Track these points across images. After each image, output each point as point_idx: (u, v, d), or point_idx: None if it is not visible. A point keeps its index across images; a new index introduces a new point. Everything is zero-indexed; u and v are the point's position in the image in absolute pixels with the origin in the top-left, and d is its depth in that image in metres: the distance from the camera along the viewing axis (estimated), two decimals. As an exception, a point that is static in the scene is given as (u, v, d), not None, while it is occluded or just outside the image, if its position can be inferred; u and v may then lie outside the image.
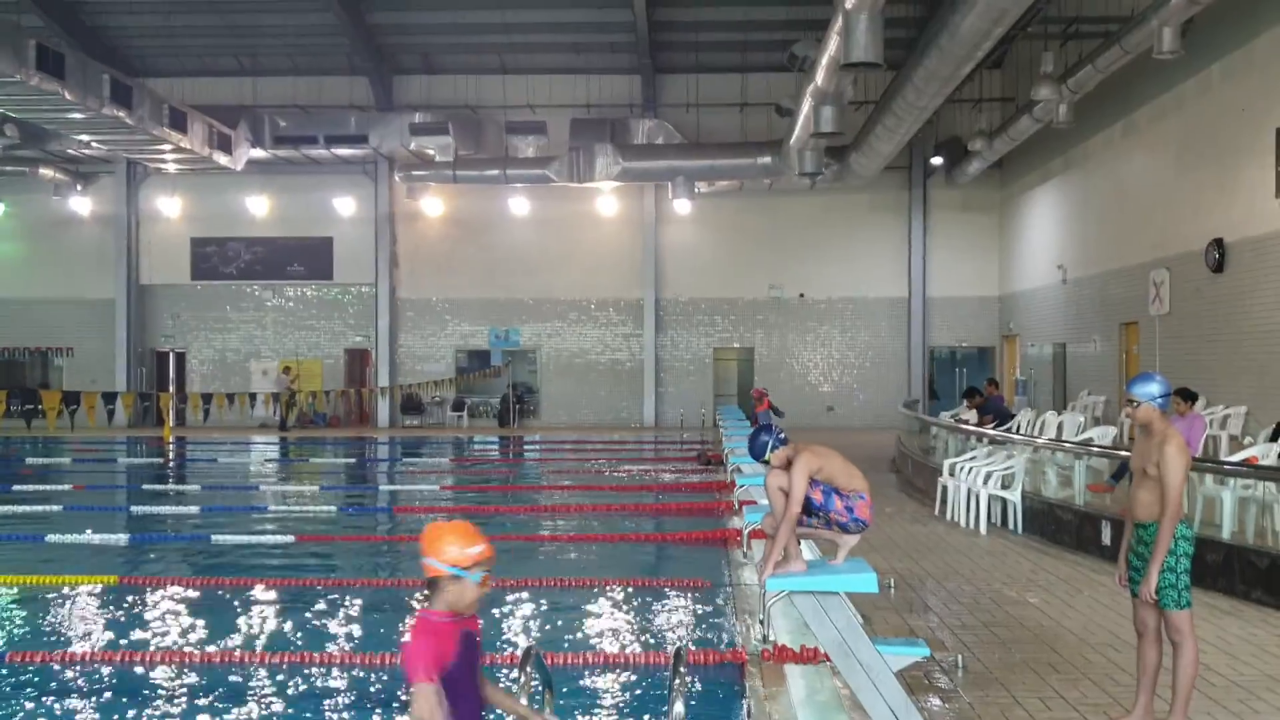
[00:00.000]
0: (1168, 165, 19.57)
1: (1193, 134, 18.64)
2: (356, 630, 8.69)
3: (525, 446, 26.58)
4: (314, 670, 7.34)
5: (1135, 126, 21.00)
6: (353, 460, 24.39)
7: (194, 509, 15.66)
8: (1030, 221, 28.10)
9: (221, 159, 26.80)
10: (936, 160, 29.37)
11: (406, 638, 3.56)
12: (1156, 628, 5.69)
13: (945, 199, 30.68)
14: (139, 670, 7.36)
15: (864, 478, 6.15)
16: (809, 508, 5.95)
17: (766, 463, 6.18)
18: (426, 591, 3.54)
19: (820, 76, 17.73)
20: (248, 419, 30.56)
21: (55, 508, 15.25)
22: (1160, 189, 19.86)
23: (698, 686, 6.67)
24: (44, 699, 6.80)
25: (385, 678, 7.15)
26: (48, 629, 8.81)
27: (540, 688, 4.25)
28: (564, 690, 6.55)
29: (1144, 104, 20.38)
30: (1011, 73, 27.35)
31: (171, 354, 32.43)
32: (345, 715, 6.57)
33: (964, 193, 30.27)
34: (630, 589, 9.81)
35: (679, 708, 3.88)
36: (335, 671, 7.32)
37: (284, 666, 7.41)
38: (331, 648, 7.97)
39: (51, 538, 12.67)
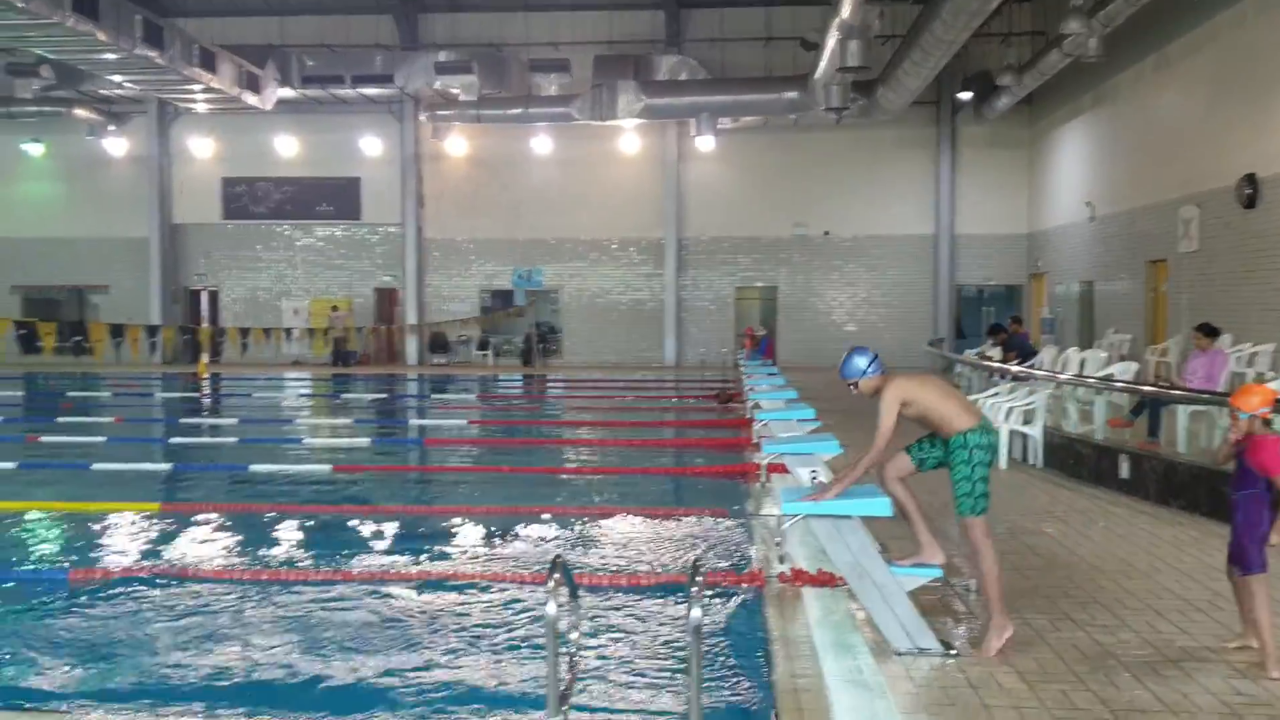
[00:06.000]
0: (1200, 100, 19.39)
1: (1227, 68, 18.44)
2: (388, 551, 8.99)
3: (549, 385, 26.90)
4: (345, 586, 7.66)
5: (1167, 60, 20.77)
6: (386, 395, 24.81)
7: (232, 440, 16.05)
8: (1059, 158, 27.90)
9: (250, 99, 26.95)
10: (965, 95, 29.09)
11: (1258, 446, 5.57)
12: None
13: (974, 135, 30.46)
14: (190, 587, 7.70)
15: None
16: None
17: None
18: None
19: (846, 9, 17.67)
20: (280, 355, 31.00)
21: (98, 439, 15.66)
22: (1191, 124, 19.69)
23: (718, 606, 6.94)
24: (104, 614, 7.15)
25: (418, 593, 7.47)
26: (102, 551, 9.18)
27: (567, 596, 4.50)
28: (590, 607, 6.85)
29: (1177, 37, 20.14)
30: (1041, 6, 26.99)
31: (205, 292, 32.84)
32: (377, 626, 6.87)
33: (993, 129, 30.03)
34: (651, 518, 10.07)
35: (696, 612, 4.10)
36: (366, 587, 7.63)
37: (320, 583, 7.74)
38: (363, 566, 8.29)
39: (97, 466, 13.09)
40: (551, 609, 4.24)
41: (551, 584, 4.28)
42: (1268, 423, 5.75)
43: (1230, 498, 5.71)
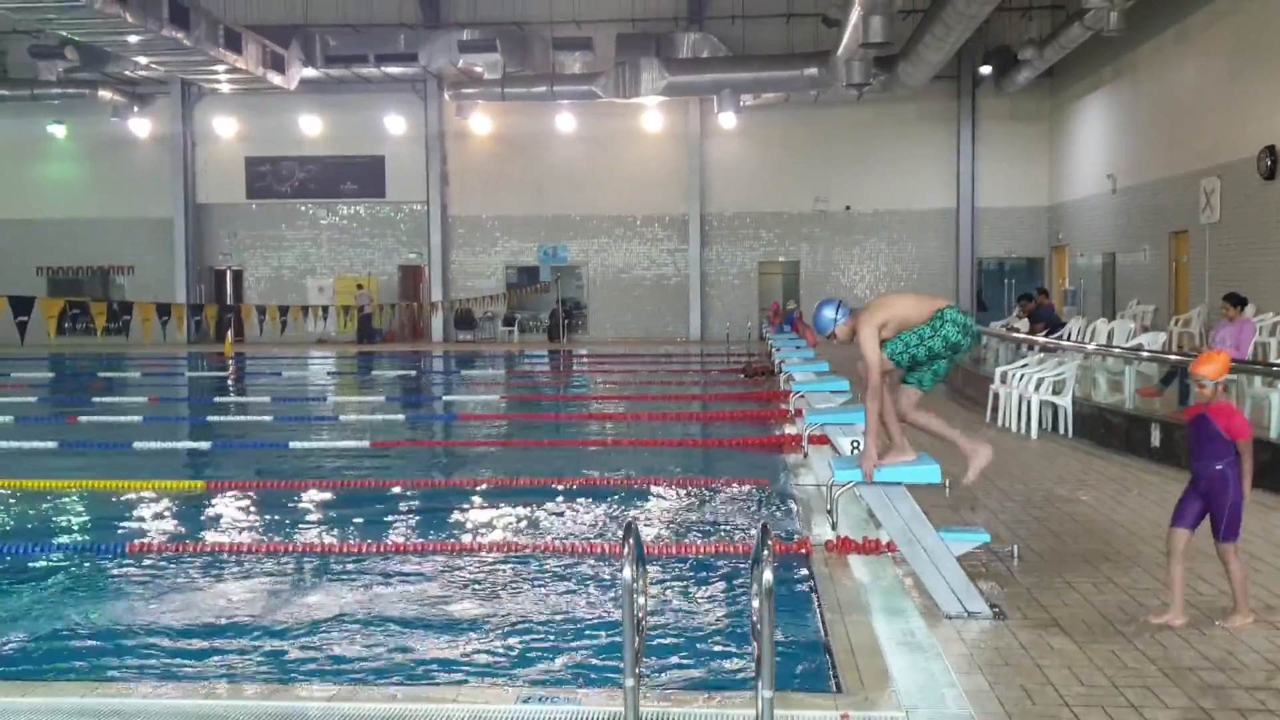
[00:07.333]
0: (1220, 72, 19.41)
1: (1247, 40, 18.46)
2: (434, 524, 9.21)
3: (577, 360, 27.11)
4: (399, 559, 7.90)
5: (1187, 33, 20.77)
6: (414, 372, 25.10)
7: (267, 418, 16.30)
8: (1080, 130, 27.90)
9: (275, 78, 27.13)
10: (985, 69, 29.09)
11: (1231, 413, 5.73)
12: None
13: (994, 109, 30.47)
14: (243, 560, 7.95)
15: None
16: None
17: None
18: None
19: (871, -14, 17.69)
20: (304, 334, 31.27)
21: (135, 418, 15.93)
22: (1212, 96, 19.71)
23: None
24: (163, 582, 7.41)
25: (472, 564, 7.70)
26: (151, 527, 9.43)
27: (637, 562, 4.68)
28: (650, 573, 7.04)
29: (1197, 9, 20.14)
30: (1063, -21, 26.95)
31: (229, 272, 33.13)
32: (421, 592, 7.10)
33: (1013, 102, 30.03)
34: (694, 489, 10.29)
35: (768, 575, 4.21)
36: (419, 559, 7.87)
37: (374, 556, 7.97)
38: (412, 539, 8.52)
39: (138, 445, 13.34)
40: (627, 573, 4.39)
41: (626, 549, 4.46)
42: (1227, 389, 5.95)
43: (1204, 470, 5.75)
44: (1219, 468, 5.68)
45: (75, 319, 27.82)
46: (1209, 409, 5.74)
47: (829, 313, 6.44)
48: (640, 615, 4.82)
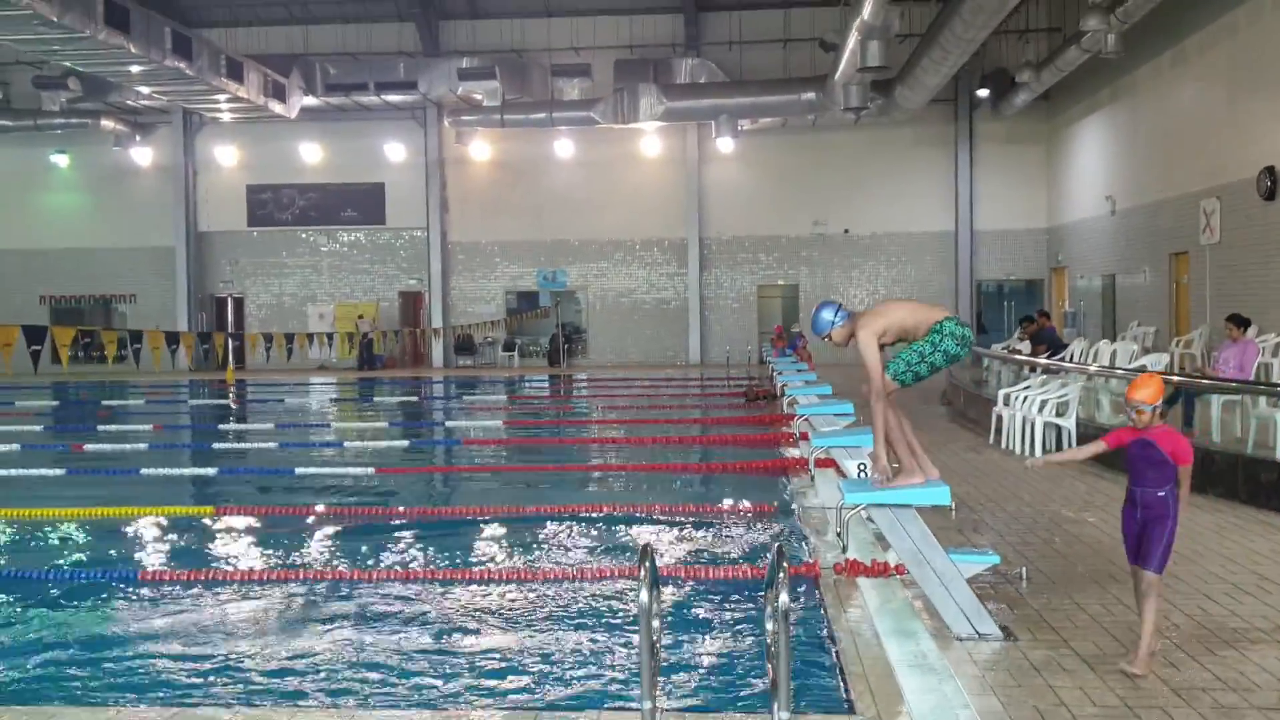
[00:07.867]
0: (1218, 93, 19.54)
1: (1244, 62, 18.59)
2: (441, 550, 9.23)
3: (578, 385, 27.14)
4: (408, 585, 7.91)
5: (1185, 55, 20.92)
6: (417, 398, 25.10)
7: (272, 444, 16.32)
8: (1078, 153, 28.04)
9: (276, 107, 27.28)
10: (983, 92, 29.26)
11: (1176, 437, 5.58)
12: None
13: (991, 131, 30.63)
14: (254, 587, 7.96)
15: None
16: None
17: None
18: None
19: (867, 10, 17.85)
20: (306, 361, 31.33)
21: (141, 446, 15.95)
22: (1211, 118, 19.83)
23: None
24: (176, 612, 7.42)
25: (480, 591, 7.72)
26: (166, 553, 9.46)
27: (653, 586, 4.71)
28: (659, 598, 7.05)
29: (1194, 32, 20.29)
30: (1058, 2, 27.15)
31: (230, 299, 33.19)
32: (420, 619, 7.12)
33: (1010, 125, 30.20)
34: (701, 513, 10.31)
35: (784, 597, 4.25)
36: (428, 586, 7.88)
37: (382, 583, 7.99)
38: (421, 566, 8.54)
39: (146, 471, 13.36)
40: (644, 597, 4.42)
41: (643, 573, 4.49)
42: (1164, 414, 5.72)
43: (1147, 497, 5.61)
44: (1161, 494, 5.54)
45: (86, 347, 28.00)
46: (1151, 433, 5.57)
47: (827, 314, 6.46)
48: (656, 639, 4.85)
